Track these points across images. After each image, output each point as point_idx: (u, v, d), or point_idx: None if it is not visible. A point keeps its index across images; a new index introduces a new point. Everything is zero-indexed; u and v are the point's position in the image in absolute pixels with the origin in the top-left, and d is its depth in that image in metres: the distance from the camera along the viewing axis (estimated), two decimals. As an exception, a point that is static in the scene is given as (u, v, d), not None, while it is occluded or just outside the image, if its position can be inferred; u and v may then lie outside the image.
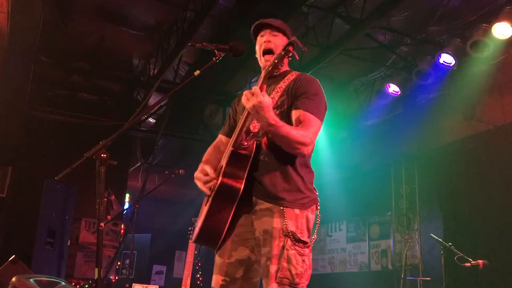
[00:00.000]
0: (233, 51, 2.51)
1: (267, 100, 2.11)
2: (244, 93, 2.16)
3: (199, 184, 2.41)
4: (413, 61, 6.85)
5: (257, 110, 2.10)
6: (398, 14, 6.01)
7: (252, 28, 2.58)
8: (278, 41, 2.49)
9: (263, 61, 2.51)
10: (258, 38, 2.57)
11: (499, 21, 5.57)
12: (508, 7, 5.51)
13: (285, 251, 2.18)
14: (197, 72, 2.45)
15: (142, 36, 7.21)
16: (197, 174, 2.44)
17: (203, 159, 2.58)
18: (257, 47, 2.56)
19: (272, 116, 2.13)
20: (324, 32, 6.49)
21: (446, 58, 6.28)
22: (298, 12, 6.10)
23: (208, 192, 2.36)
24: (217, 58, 2.49)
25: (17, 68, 6.38)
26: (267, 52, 2.50)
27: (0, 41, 6.07)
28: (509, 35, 5.65)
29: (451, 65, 6.30)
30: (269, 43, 2.49)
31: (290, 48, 2.13)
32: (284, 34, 2.53)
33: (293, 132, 2.20)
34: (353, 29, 6.13)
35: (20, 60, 6.25)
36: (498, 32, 5.65)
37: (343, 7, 6.05)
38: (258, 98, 2.08)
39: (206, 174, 2.36)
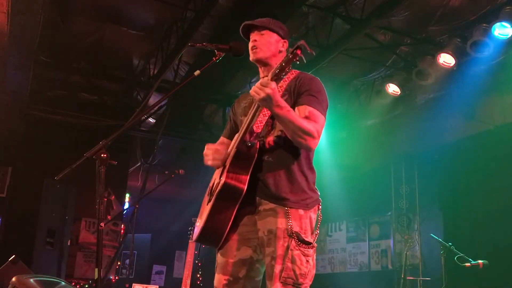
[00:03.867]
0: (233, 51, 2.52)
1: (276, 87, 2.16)
2: (254, 87, 2.17)
3: (209, 156, 2.42)
4: (413, 61, 6.85)
5: (269, 100, 2.13)
6: (398, 14, 6.00)
7: (240, 30, 2.59)
8: (264, 39, 2.51)
9: (251, 54, 2.54)
10: (250, 37, 2.59)
11: (499, 21, 5.57)
12: (508, 7, 5.50)
13: (290, 251, 2.19)
14: (197, 72, 2.45)
15: (142, 36, 7.21)
16: (207, 149, 2.45)
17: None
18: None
19: (281, 100, 2.19)
20: (324, 32, 6.48)
21: (446, 58, 6.28)
22: (298, 12, 6.10)
23: (215, 164, 2.38)
24: (217, 58, 2.50)
25: (17, 68, 6.37)
26: (253, 48, 2.53)
27: (0, 41, 6.07)
28: (509, 35, 5.66)
29: (451, 65, 6.30)
30: (255, 42, 2.52)
31: (298, 52, 2.09)
32: (272, 30, 2.54)
33: (301, 119, 2.24)
34: (353, 29, 6.13)
35: (20, 60, 6.25)
36: (498, 32, 5.65)
37: (343, 7, 6.05)
38: (269, 88, 2.12)
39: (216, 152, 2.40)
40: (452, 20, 6.07)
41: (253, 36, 2.54)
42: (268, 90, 2.12)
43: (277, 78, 2.18)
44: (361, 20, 5.96)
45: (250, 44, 2.54)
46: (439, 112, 7.25)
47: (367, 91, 8.02)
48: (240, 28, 2.59)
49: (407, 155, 8.08)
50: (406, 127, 7.63)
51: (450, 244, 5.48)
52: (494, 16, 5.67)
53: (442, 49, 6.27)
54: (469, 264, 5.24)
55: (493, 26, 5.63)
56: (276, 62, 2.43)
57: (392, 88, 7.20)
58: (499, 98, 6.68)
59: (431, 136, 7.49)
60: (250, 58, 2.55)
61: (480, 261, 5.18)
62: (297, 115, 2.25)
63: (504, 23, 5.58)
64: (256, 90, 2.15)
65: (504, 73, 6.33)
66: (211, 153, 2.42)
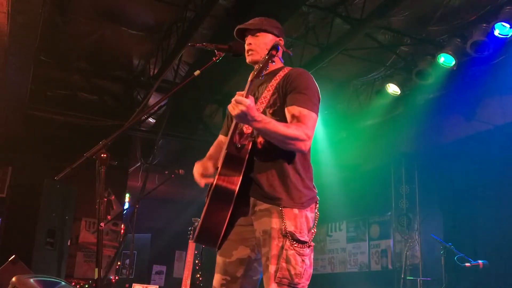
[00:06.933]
0: (233, 51, 2.54)
1: (251, 102, 2.13)
2: (231, 103, 2.18)
3: (196, 175, 2.49)
4: (413, 61, 6.85)
5: (244, 117, 2.13)
6: (398, 14, 6.01)
7: (235, 34, 2.61)
8: (259, 41, 2.53)
9: (247, 57, 2.57)
10: (246, 40, 2.61)
11: (499, 21, 5.57)
12: (508, 7, 5.50)
13: (284, 251, 2.19)
14: (197, 72, 2.46)
15: (142, 36, 7.21)
16: (197, 166, 2.52)
17: (207, 155, 2.64)
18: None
19: (257, 114, 2.16)
20: (324, 32, 6.49)
21: (446, 58, 6.28)
22: (298, 12, 6.10)
23: (202, 183, 2.43)
24: (217, 58, 2.51)
25: (17, 68, 6.37)
26: (249, 52, 2.56)
27: (0, 41, 6.07)
28: (509, 35, 5.66)
29: (451, 65, 6.30)
30: (250, 45, 2.55)
31: (273, 52, 2.17)
32: (266, 31, 2.55)
33: (283, 127, 2.21)
34: (353, 29, 6.13)
35: (20, 60, 6.25)
36: (498, 32, 5.65)
37: (343, 7, 6.05)
38: (243, 104, 2.11)
39: (205, 168, 2.44)
40: (452, 20, 6.07)
41: (248, 39, 2.56)
42: (242, 107, 2.11)
43: (256, 78, 2.23)
44: (361, 20, 5.96)
45: (246, 48, 2.56)
46: (439, 112, 7.25)
47: (367, 91, 8.02)
48: (234, 32, 2.60)
49: (407, 155, 8.08)
50: (406, 127, 7.62)
51: (450, 244, 5.48)
52: (494, 16, 5.66)
53: (442, 49, 6.27)
54: (469, 264, 5.25)
55: (493, 26, 5.63)
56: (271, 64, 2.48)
57: (392, 88, 7.20)
58: (499, 98, 6.68)
59: (431, 136, 7.49)
60: (247, 61, 2.57)
61: (480, 261, 5.19)
62: (279, 123, 2.22)
63: (504, 23, 5.57)
64: (232, 106, 2.15)
65: (504, 73, 6.33)
66: (199, 170, 2.49)
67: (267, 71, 2.30)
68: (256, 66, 2.24)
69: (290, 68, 2.51)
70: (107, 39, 7.21)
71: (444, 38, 6.41)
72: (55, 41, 7.03)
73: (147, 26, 7.01)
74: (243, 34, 2.60)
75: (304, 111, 2.29)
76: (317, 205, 2.37)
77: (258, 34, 2.54)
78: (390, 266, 8.22)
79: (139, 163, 10.27)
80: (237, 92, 2.23)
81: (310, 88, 2.37)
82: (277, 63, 2.56)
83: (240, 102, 2.11)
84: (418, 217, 7.79)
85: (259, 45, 2.52)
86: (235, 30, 2.59)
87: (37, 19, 5.46)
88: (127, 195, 10.33)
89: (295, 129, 2.22)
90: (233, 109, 2.13)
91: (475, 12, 5.86)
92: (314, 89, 2.39)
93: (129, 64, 8.02)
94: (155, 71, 7.72)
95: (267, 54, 2.19)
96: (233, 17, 6.06)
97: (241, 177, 2.25)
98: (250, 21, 2.59)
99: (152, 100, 8.10)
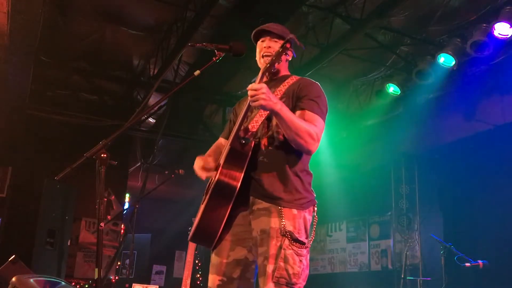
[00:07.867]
0: (233, 51, 2.52)
1: (265, 86, 2.17)
2: (249, 94, 2.17)
3: (197, 168, 2.45)
4: (413, 61, 6.85)
5: (268, 99, 2.14)
6: (398, 14, 6.01)
7: (252, 34, 2.60)
8: (278, 47, 2.47)
9: (262, 62, 2.52)
10: (259, 42, 2.58)
11: (499, 21, 5.57)
12: (508, 7, 5.51)
13: (282, 250, 2.18)
14: (197, 72, 2.45)
15: (142, 36, 7.21)
16: (198, 160, 2.48)
17: (205, 154, 2.61)
18: (257, 51, 2.58)
19: (279, 101, 2.21)
20: (324, 32, 6.49)
21: (446, 58, 6.28)
22: (298, 12, 6.10)
23: (203, 176, 2.41)
24: (217, 58, 2.49)
25: (17, 68, 6.38)
26: (266, 56, 2.50)
27: (0, 41, 6.07)
28: (509, 35, 5.66)
29: (451, 65, 6.30)
30: (269, 48, 2.51)
31: (288, 45, 2.20)
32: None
33: (297, 119, 2.24)
34: (353, 29, 6.13)
35: (20, 60, 6.25)
36: (498, 32, 5.65)
37: (343, 7, 6.05)
38: (263, 87, 2.14)
39: (206, 162, 2.43)
40: (452, 20, 6.08)
41: (267, 42, 2.53)
42: (264, 90, 2.13)
43: (268, 70, 2.26)
44: (361, 20, 5.96)
45: (264, 50, 2.52)
46: (439, 112, 7.25)
47: (367, 91, 8.02)
48: (254, 31, 2.58)
49: (407, 155, 8.08)
50: (406, 127, 7.62)
51: (450, 244, 5.48)
52: (494, 16, 5.67)
53: (442, 49, 6.27)
54: (469, 264, 5.25)
55: (493, 26, 5.63)
56: (281, 68, 2.53)
57: (392, 88, 7.21)
58: (499, 98, 6.68)
59: (431, 136, 7.49)
60: (261, 65, 2.52)
61: (480, 261, 5.19)
62: (295, 116, 2.25)
63: (504, 23, 5.57)
64: (253, 96, 2.14)
65: (504, 73, 6.33)
66: (200, 163, 2.45)
67: (274, 72, 2.27)
68: (270, 58, 2.25)
69: (299, 77, 2.53)
70: (107, 39, 7.21)
71: (444, 38, 6.41)
72: (55, 41, 7.03)
73: (147, 26, 7.01)
74: (259, 34, 2.58)
75: (315, 116, 2.32)
76: (315, 209, 2.37)
77: (277, 40, 2.52)
78: (390, 266, 8.22)
79: (139, 163, 10.27)
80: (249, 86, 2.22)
81: (322, 99, 2.41)
82: (285, 70, 2.59)
83: (259, 87, 2.14)
84: (418, 217, 7.79)
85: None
86: (256, 29, 2.57)
87: (37, 19, 5.45)
88: (127, 195, 10.33)
89: (307, 125, 2.25)
90: (256, 99, 2.13)
91: (475, 12, 5.86)
92: (324, 100, 2.43)
93: (129, 64, 8.02)
94: (155, 71, 7.72)
95: (281, 47, 2.21)
96: (233, 17, 6.06)
97: (243, 174, 2.24)
98: (271, 25, 2.57)
99: (152, 100, 8.10)
